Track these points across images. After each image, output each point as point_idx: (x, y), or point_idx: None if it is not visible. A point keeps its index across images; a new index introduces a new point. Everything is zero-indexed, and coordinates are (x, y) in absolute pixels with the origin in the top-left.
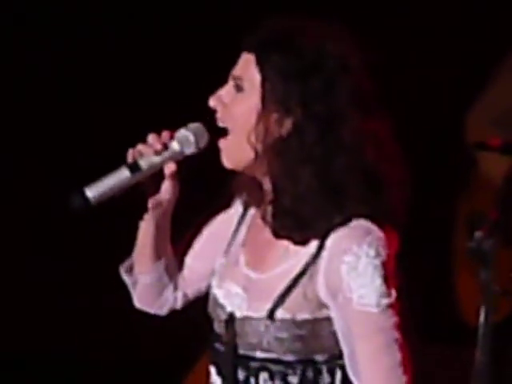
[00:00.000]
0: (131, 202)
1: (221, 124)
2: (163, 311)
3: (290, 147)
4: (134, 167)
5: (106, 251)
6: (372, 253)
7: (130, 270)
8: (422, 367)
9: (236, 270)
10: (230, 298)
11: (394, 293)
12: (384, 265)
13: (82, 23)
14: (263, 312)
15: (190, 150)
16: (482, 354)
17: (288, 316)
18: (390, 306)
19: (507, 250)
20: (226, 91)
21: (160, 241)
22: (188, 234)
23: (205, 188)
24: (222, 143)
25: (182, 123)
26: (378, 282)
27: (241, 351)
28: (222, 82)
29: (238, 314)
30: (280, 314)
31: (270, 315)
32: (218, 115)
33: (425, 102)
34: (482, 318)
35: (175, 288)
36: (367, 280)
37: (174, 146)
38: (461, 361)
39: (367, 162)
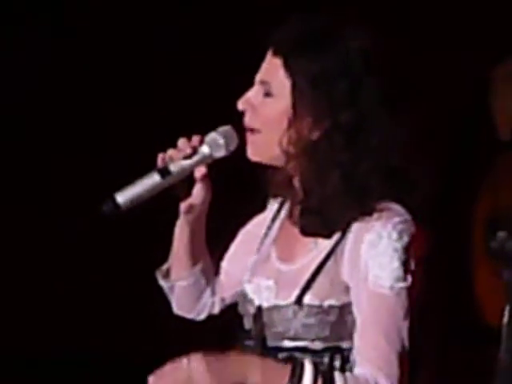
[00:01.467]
0: (164, 207)
1: (249, 127)
2: (201, 316)
3: (320, 151)
4: (165, 172)
5: (141, 257)
6: (395, 235)
7: (167, 276)
8: (443, 367)
9: (267, 264)
10: (259, 292)
11: (409, 279)
12: (405, 249)
13: (111, 23)
14: (291, 298)
15: (220, 153)
16: (505, 353)
17: (316, 302)
18: (404, 291)
19: None
20: (255, 94)
21: (195, 245)
22: (225, 238)
23: (239, 191)
24: (250, 137)
25: (211, 128)
26: (396, 264)
27: (269, 343)
28: (248, 84)
29: (265, 305)
30: (308, 299)
31: (298, 301)
32: (247, 118)
33: (448, 94)
34: (505, 318)
35: (213, 293)
36: (385, 261)
37: (204, 149)
38: (483, 360)
39: (393, 163)
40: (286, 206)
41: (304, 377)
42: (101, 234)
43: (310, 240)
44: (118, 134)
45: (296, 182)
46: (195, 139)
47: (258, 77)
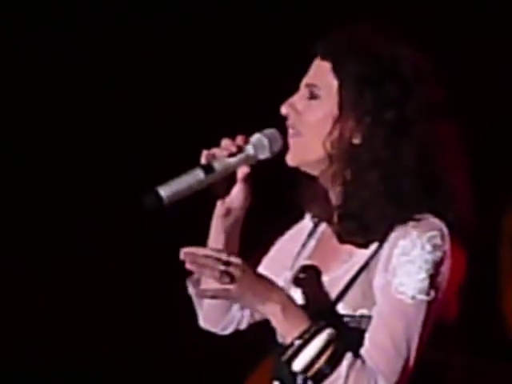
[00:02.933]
0: (203, 210)
1: (292, 131)
2: (228, 331)
3: (361, 153)
4: (208, 168)
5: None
6: (428, 247)
7: (197, 283)
8: (468, 382)
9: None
10: None
11: (433, 294)
12: (435, 264)
13: (150, 23)
14: (324, 308)
15: (264, 154)
16: None
17: (349, 311)
18: (424, 304)
19: None
20: (299, 98)
21: (229, 252)
22: (258, 250)
23: (277, 203)
24: (293, 141)
25: (256, 130)
26: (423, 276)
27: None
28: (294, 89)
29: None
30: (341, 308)
31: (332, 310)
32: (290, 122)
33: (483, 107)
34: None
35: (242, 307)
36: (413, 270)
37: (249, 149)
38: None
39: (434, 171)
40: (323, 224)
41: (317, 337)
42: (132, 235)
43: (345, 251)
44: (168, 129)
45: (335, 187)
46: (240, 138)
47: (305, 80)
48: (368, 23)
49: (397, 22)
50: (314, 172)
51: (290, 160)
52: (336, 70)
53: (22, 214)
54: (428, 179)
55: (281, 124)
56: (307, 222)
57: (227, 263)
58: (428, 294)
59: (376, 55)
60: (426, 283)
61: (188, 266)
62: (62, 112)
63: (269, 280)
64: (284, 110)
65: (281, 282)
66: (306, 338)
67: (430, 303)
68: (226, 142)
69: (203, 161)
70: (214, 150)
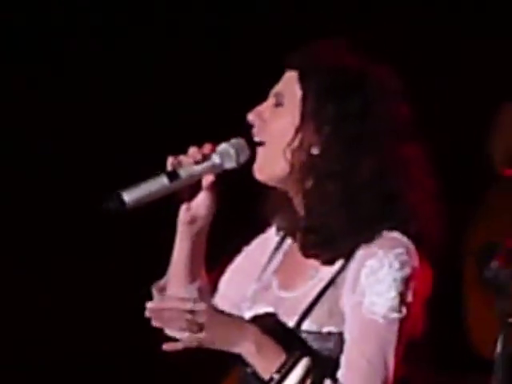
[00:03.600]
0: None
1: (257, 138)
2: None
3: (319, 163)
4: (173, 175)
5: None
6: (396, 265)
7: (163, 291)
8: None
9: (268, 293)
10: None
11: (404, 311)
12: (404, 281)
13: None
14: (290, 324)
15: (229, 164)
16: (498, 383)
17: (314, 328)
18: (397, 322)
19: None
20: (265, 107)
21: (194, 261)
22: (223, 260)
23: (242, 213)
24: (258, 151)
25: (223, 139)
26: (393, 294)
27: None
28: (264, 99)
29: None
30: (307, 325)
31: (297, 327)
32: (255, 130)
33: (448, 124)
34: (498, 347)
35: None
36: (383, 289)
37: (215, 158)
38: None
39: (393, 187)
40: (289, 238)
41: (295, 369)
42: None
43: (311, 267)
44: (122, 134)
45: (298, 200)
46: (207, 147)
47: (273, 90)
48: (342, 38)
49: (372, 38)
50: (280, 184)
51: (256, 172)
52: (301, 80)
53: (22, 214)
54: (386, 195)
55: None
56: (274, 233)
57: (193, 312)
58: (399, 311)
59: (342, 68)
60: (396, 301)
61: (154, 323)
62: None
63: (238, 318)
64: (250, 117)
65: (248, 294)
66: (284, 372)
67: (401, 320)
68: (192, 150)
69: (169, 167)
70: (180, 157)
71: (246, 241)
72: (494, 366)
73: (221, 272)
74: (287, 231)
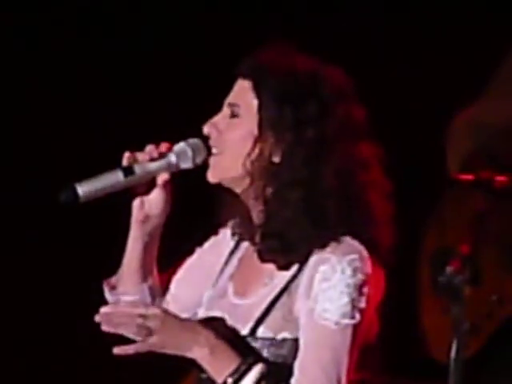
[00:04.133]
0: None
1: (214, 150)
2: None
3: (281, 171)
4: (128, 171)
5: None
6: (349, 271)
7: (114, 288)
8: None
9: (223, 300)
10: None
11: (358, 317)
12: (357, 287)
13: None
14: (245, 331)
15: (186, 164)
16: None
17: (269, 334)
18: (350, 328)
19: (476, 285)
20: (221, 118)
21: (147, 260)
22: (174, 261)
23: (192, 215)
24: (213, 159)
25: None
26: (345, 300)
27: None
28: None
29: None
30: (261, 332)
31: (252, 333)
32: (212, 141)
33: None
34: (453, 353)
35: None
36: (335, 295)
37: (171, 157)
38: None
39: (353, 191)
40: (245, 243)
41: (248, 374)
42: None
43: (266, 273)
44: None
45: (257, 205)
46: (164, 145)
47: (227, 100)
48: (290, 41)
49: (320, 40)
50: (236, 189)
51: (211, 177)
52: (256, 89)
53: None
54: (347, 199)
55: None
56: (228, 237)
57: (144, 316)
58: (352, 317)
59: (296, 74)
60: (348, 307)
61: (104, 327)
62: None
63: (191, 323)
64: (206, 129)
65: (204, 299)
66: (237, 377)
67: (354, 326)
68: (149, 148)
69: (124, 162)
70: (137, 154)
71: (198, 242)
72: (449, 371)
73: (173, 272)
74: (243, 236)
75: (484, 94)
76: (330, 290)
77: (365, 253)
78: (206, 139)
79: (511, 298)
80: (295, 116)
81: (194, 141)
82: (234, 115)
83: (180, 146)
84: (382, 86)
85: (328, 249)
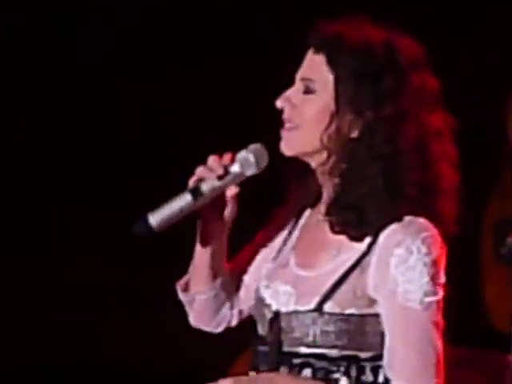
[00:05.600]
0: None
1: (288, 124)
2: (219, 329)
3: (361, 147)
4: (197, 192)
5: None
6: (424, 249)
7: (186, 289)
8: (452, 370)
9: (285, 270)
10: (277, 297)
11: (440, 292)
12: (434, 263)
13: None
14: (311, 305)
15: (250, 171)
16: None
17: (336, 310)
18: (434, 305)
19: None
20: (294, 92)
21: (217, 259)
22: (244, 249)
23: (259, 205)
24: (288, 133)
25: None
26: (426, 279)
27: (285, 348)
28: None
29: (283, 310)
30: (328, 307)
31: (318, 308)
32: (286, 115)
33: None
34: None
35: (232, 306)
36: (415, 276)
37: (235, 168)
38: (493, 364)
39: (429, 160)
40: (307, 213)
41: None
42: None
43: (332, 246)
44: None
45: (332, 181)
46: (226, 158)
47: (299, 74)
48: (357, 13)
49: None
50: (312, 163)
51: (287, 150)
52: (331, 64)
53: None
54: (422, 171)
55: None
56: (288, 216)
57: None
58: (435, 293)
59: (370, 47)
60: (430, 285)
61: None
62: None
63: (264, 376)
64: (279, 103)
65: (263, 272)
66: None
67: (438, 302)
68: (212, 162)
69: (191, 184)
70: (202, 173)
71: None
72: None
73: (242, 262)
74: (309, 205)
75: None
76: (408, 271)
77: (434, 229)
78: (265, 143)
79: None
80: (374, 91)
81: (254, 146)
82: (308, 90)
83: (242, 154)
84: (447, 56)
85: (399, 226)
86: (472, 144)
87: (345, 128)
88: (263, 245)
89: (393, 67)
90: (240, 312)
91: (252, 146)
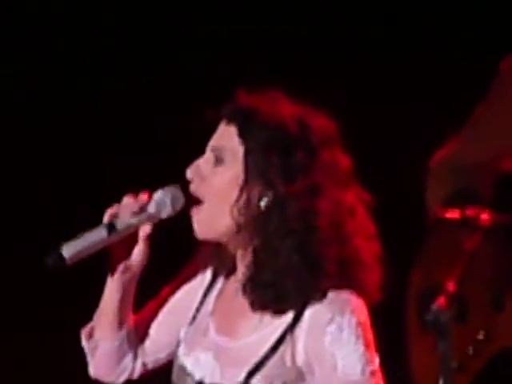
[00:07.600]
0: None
1: (195, 195)
2: (119, 381)
3: (271, 221)
4: (111, 228)
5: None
6: (354, 322)
7: (90, 336)
8: None
9: (205, 338)
10: (200, 366)
11: (376, 359)
12: (365, 332)
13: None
14: (238, 378)
15: (166, 213)
16: None
17: (264, 383)
18: (374, 372)
19: (463, 323)
20: (205, 162)
21: (124, 306)
22: (150, 303)
23: (170, 256)
24: (196, 213)
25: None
26: (362, 350)
27: None
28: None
29: (207, 382)
30: (256, 380)
31: (246, 382)
32: (193, 187)
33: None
34: None
35: (135, 357)
36: (351, 349)
37: (151, 208)
38: None
39: (344, 236)
40: (221, 279)
41: None
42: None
43: (254, 316)
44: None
45: (246, 255)
46: (143, 198)
47: (211, 144)
48: (274, 86)
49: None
50: (223, 240)
51: (198, 234)
52: (242, 136)
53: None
54: (337, 246)
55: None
56: (203, 277)
57: None
58: (373, 361)
59: (282, 123)
60: (367, 354)
61: None
62: None
63: None
64: (189, 174)
65: (181, 337)
66: None
67: (378, 367)
68: (128, 201)
69: (106, 219)
70: (117, 209)
71: (177, 283)
72: None
73: (150, 315)
74: (223, 272)
75: (459, 135)
76: (344, 347)
77: (358, 299)
78: (185, 183)
79: (498, 335)
80: (284, 165)
81: (171, 188)
82: (218, 160)
83: (158, 195)
84: (364, 125)
85: (325, 304)
86: (395, 214)
87: (254, 200)
88: (171, 300)
89: (304, 144)
90: (143, 364)
91: (169, 188)
